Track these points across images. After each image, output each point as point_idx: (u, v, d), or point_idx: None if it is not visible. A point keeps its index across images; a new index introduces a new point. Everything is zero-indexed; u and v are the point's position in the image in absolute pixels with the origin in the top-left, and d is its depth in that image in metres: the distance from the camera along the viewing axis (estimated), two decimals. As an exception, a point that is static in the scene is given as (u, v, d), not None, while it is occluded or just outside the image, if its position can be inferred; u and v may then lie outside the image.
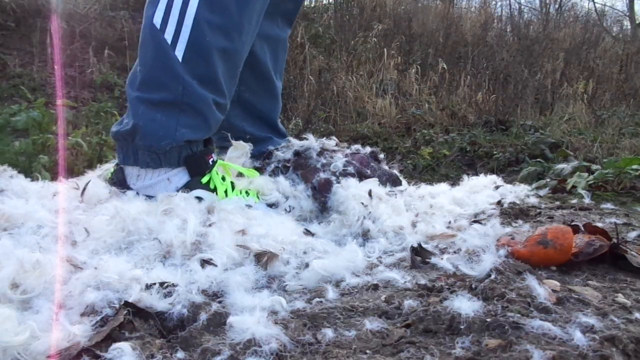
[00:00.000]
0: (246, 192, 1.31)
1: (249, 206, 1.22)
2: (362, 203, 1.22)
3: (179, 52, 1.17)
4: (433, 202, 1.47)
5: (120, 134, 1.22)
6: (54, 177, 1.53)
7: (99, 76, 4.20)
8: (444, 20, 6.24)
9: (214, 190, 1.25)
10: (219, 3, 1.19)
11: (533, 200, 1.71)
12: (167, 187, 1.21)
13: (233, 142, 1.43)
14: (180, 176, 1.23)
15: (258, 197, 1.33)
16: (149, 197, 1.18)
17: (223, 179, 1.28)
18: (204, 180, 1.24)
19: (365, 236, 1.16)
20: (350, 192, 1.28)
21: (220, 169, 1.30)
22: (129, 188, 1.21)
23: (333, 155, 1.44)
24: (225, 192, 1.27)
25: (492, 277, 0.82)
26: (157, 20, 1.18)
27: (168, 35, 1.17)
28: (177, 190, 1.20)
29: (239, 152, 1.43)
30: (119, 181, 1.23)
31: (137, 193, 1.20)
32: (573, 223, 1.12)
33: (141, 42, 1.22)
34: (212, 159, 1.28)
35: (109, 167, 1.37)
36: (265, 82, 1.58)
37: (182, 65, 1.17)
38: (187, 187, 1.21)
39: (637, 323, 0.68)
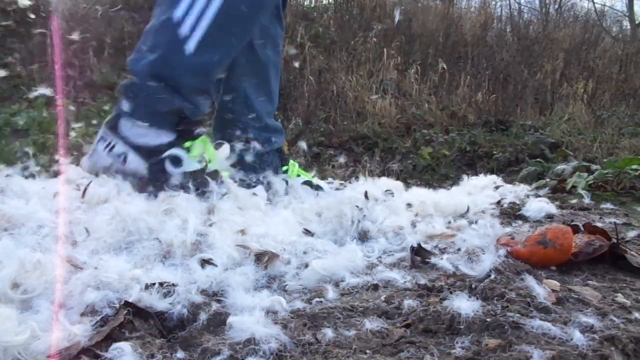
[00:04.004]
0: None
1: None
2: (357, 206, 1.22)
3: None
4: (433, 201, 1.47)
5: None
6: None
7: (99, 76, 4.20)
8: (444, 20, 6.23)
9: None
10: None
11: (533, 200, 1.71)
12: (155, 140, 1.37)
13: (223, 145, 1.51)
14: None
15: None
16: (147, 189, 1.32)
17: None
18: (186, 145, 1.40)
19: (364, 237, 1.16)
20: (346, 194, 1.28)
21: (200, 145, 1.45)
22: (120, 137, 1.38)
23: None
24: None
25: (492, 277, 0.82)
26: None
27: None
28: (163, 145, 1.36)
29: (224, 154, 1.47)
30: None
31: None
32: (573, 223, 1.13)
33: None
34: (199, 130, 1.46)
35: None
36: (263, 82, 1.66)
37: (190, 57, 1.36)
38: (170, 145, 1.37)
39: (636, 323, 0.68)
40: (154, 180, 1.33)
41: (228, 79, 1.60)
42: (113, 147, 1.36)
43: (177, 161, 1.35)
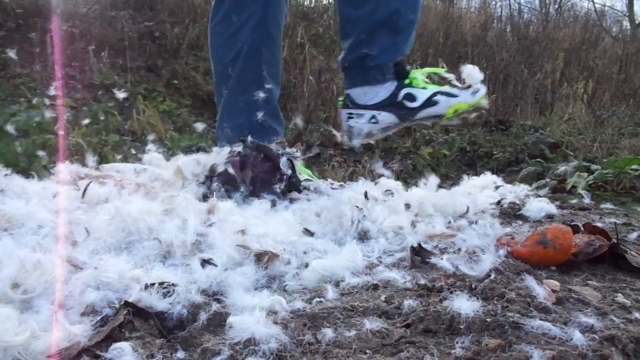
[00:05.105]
0: None
1: None
2: (357, 206, 1.22)
3: None
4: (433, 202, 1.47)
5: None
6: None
7: (99, 76, 4.20)
8: (444, 20, 6.23)
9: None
10: None
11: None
12: (386, 92, 1.58)
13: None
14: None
15: None
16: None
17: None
18: (406, 82, 1.60)
19: (364, 237, 1.16)
20: (346, 194, 1.27)
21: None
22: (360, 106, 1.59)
23: None
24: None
25: (492, 277, 0.82)
26: None
27: None
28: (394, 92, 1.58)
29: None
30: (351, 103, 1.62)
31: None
32: (573, 223, 1.12)
33: None
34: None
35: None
36: (277, 68, 1.74)
37: None
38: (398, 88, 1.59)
39: (636, 323, 0.68)
40: (406, 118, 1.57)
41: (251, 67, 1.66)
42: (360, 116, 1.59)
43: (411, 97, 1.57)
